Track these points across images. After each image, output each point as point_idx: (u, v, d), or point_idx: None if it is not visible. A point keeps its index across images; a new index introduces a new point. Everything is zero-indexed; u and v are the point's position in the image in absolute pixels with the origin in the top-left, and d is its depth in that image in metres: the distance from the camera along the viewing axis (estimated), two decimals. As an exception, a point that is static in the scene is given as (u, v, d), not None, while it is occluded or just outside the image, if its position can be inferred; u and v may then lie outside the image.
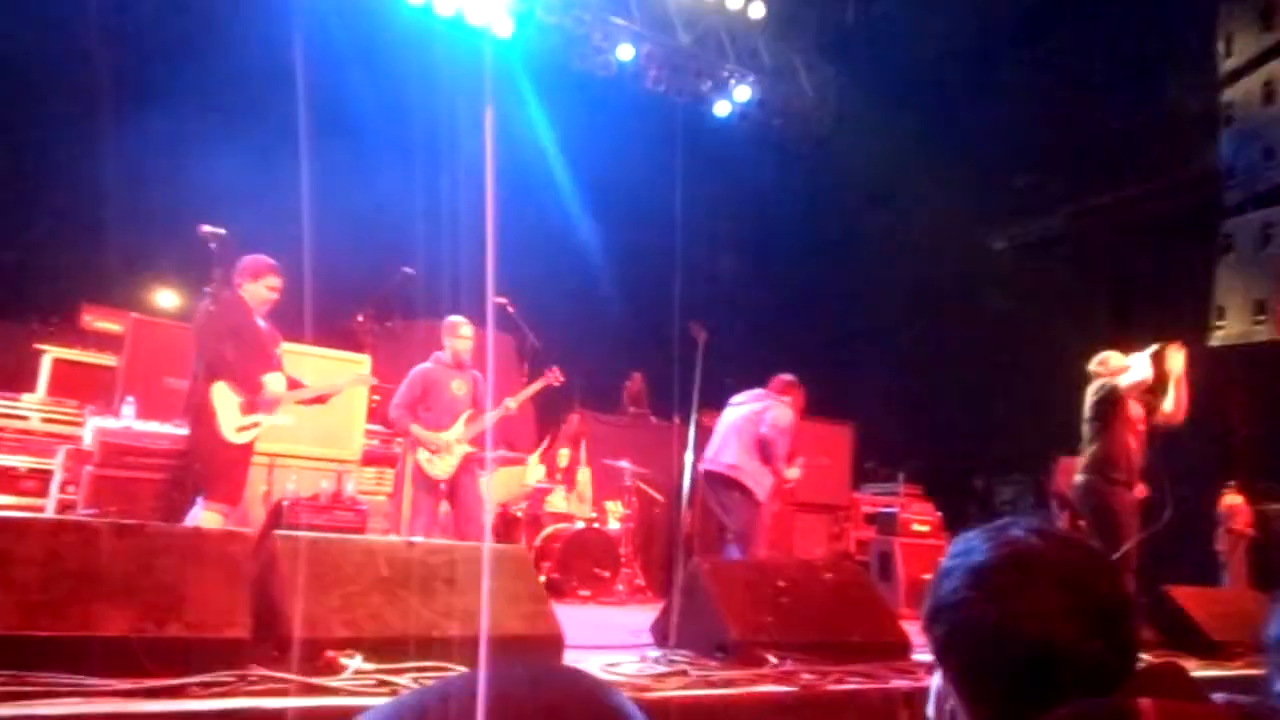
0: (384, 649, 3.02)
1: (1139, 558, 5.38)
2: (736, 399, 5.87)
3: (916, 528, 7.95)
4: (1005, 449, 10.16)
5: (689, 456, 5.06)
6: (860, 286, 11.69)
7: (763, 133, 11.50)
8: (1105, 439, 5.39)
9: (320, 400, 4.87)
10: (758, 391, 5.85)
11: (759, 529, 5.67)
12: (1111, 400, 5.27)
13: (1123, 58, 9.36)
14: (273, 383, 4.52)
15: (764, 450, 5.65)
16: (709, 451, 5.77)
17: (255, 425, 4.43)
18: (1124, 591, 0.97)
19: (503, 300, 7.19)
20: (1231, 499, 8.14)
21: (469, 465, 5.42)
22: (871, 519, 8.54)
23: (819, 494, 8.39)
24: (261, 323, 4.60)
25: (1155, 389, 5.45)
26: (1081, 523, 6.52)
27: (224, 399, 4.37)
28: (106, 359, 6.41)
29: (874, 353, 11.72)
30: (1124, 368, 5.24)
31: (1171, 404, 5.26)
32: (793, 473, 5.75)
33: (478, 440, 5.58)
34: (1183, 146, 9.12)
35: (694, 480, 6.30)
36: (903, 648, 4.08)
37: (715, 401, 10.54)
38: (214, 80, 8.04)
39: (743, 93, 11.16)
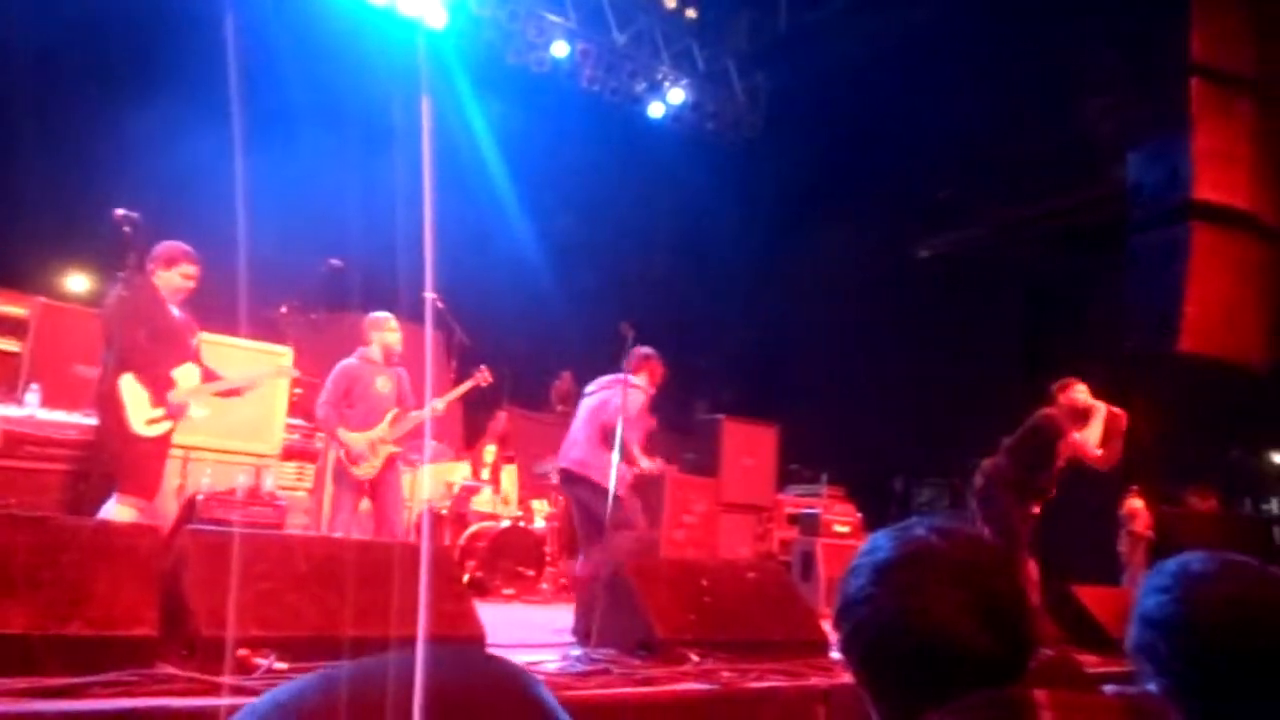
0: (300, 648, 2.95)
1: (1043, 558, 5.62)
2: (590, 387, 5.53)
3: (838, 528, 8.12)
4: (924, 452, 10.44)
5: (615, 456, 5.07)
6: (789, 290, 11.88)
7: (696, 135, 11.61)
8: (1032, 466, 5.60)
9: (236, 393, 4.71)
10: (614, 376, 5.43)
11: (622, 519, 5.39)
12: (1054, 438, 5.52)
13: (1042, 77, 9.71)
14: (184, 379, 4.37)
15: (606, 438, 5.18)
16: (564, 447, 5.39)
17: (166, 418, 4.28)
18: (1020, 588, 1.02)
19: (432, 296, 7.09)
20: (1133, 503, 8.51)
21: (393, 463, 5.34)
22: (794, 519, 8.68)
23: (744, 494, 8.50)
24: (176, 311, 4.44)
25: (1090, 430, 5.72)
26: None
27: (133, 390, 4.20)
28: (10, 344, 6.12)
29: (801, 356, 11.93)
30: (1086, 409, 5.50)
31: (1107, 457, 5.59)
32: (646, 463, 5.43)
33: (403, 440, 5.49)
34: (1096, 164, 9.52)
35: (618, 479, 6.30)
36: (822, 646, 4.17)
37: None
38: (136, 61, 7.76)
39: (676, 95, 11.24)
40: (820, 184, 11.50)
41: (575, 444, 5.32)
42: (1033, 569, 5.57)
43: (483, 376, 5.83)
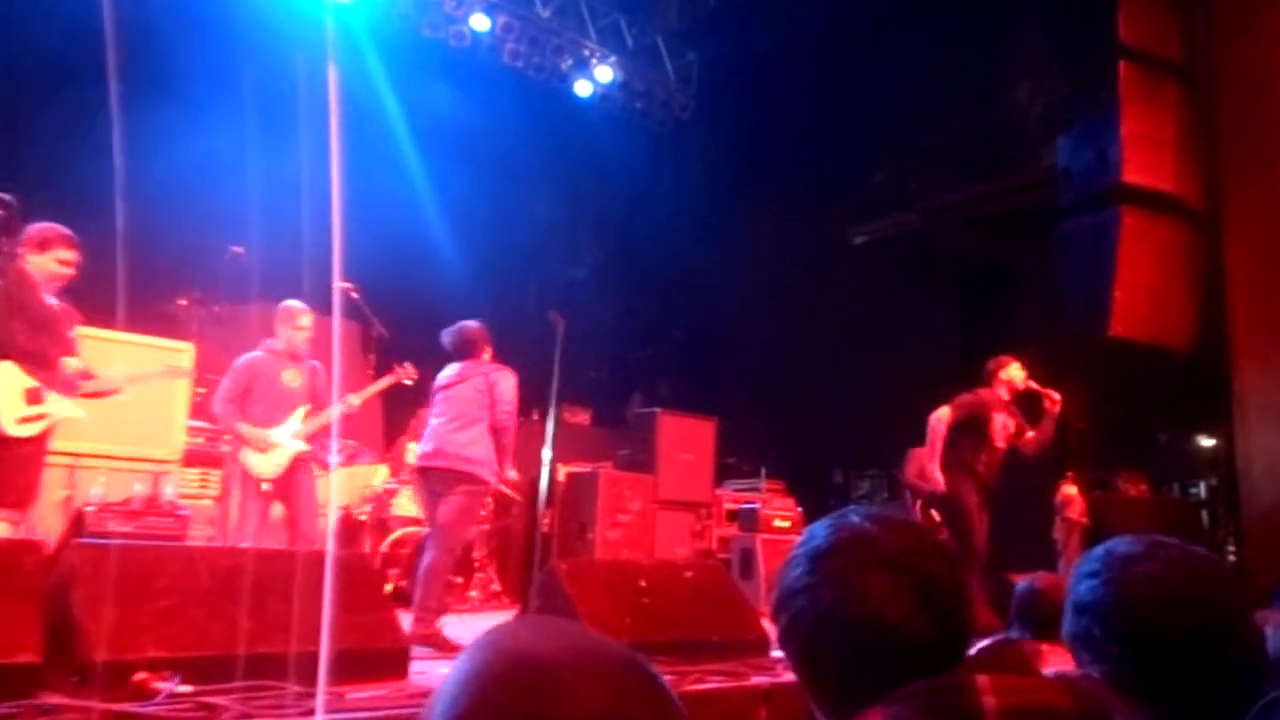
0: (206, 668, 2.83)
1: (985, 546, 5.78)
2: (445, 376, 5.36)
3: (778, 524, 8.19)
4: (862, 443, 10.62)
5: (547, 454, 5.00)
6: (724, 278, 11.95)
7: (625, 115, 11.56)
8: (967, 446, 5.77)
9: (108, 393, 4.41)
10: (467, 364, 5.33)
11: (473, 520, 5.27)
12: (984, 417, 5.69)
13: (974, 59, 9.94)
14: (69, 364, 4.14)
15: (499, 435, 5.15)
16: (424, 442, 5.24)
17: (41, 417, 4.02)
18: (955, 573, 1.03)
19: (347, 285, 6.93)
20: (1067, 489, 8.79)
21: (304, 465, 5.17)
22: (733, 516, 8.74)
23: (681, 491, 8.52)
24: (51, 300, 4.18)
25: (1028, 415, 5.92)
26: (933, 512, 6.95)
27: (2, 385, 3.94)
28: None
29: (737, 346, 12.02)
30: (1012, 386, 5.75)
31: (1037, 439, 5.88)
32: (512, 473, 5.39)
33: (315, 438, 5.33)
34: (1028, 148, 9.79)
35: (552, 477, 6.25)
36: (762, 645, 4.19)
37: (576, 395, 10.52)
38: (11, 32, 7.34)
39: (604, 73, 11.16)
40: (754, 167, 11.58)
41: (452, 436, 5.13)
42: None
43: (405, 372, 5.68)
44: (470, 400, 5.19)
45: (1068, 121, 7.77)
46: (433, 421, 5.23)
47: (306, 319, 5.37)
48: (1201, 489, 10.20)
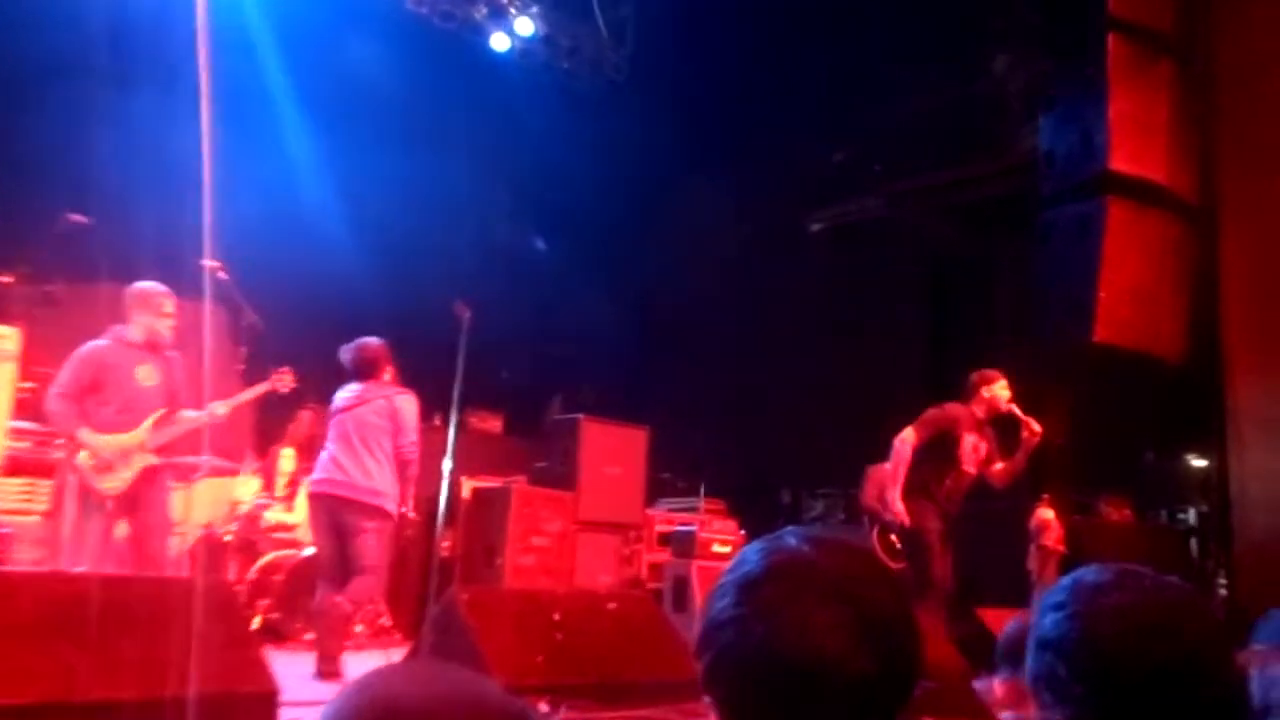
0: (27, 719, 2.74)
1: (948, 577, 5.90)
2: (344, 398, 5.58)
3: (717, 549, 8.25)
4: (816, 457, 10.76)
5: (448, 465, 4.97)
6: (661, 266, 11.99)
7: (548, 76, 11.52)
8: (931, 466, 5.88)
9: None
10: (368, 385, 5.59)
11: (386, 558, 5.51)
12: (954, 436, 5.81)
13: (948, 25, 10.16)
14: None
15: (404, 468, 5.49)
16: (324, 468, 5.49)
17: None
18: (903, 603, 1.04)
19: (214, 264, 6.78)
20: (1043, 513, 9.01)
21: (156, 477, 5.05)
22: (667, 539, 8.77)
23: (607, 510, 8.52)
24: None
25: (1003, 440, 6.05)
26: (893, 538, 7.07)
27: None
28: None
29: (674, 344, 12.07)
30: (992, 406, 5.91)
31: (1005, 474, 6.03)
32: (411, 514, 5.74)
33: (170, 448, 5.23)
34: (1007, 128, 10.03)
35: (453, 493, 6.20)
36: (696, 687, 4.22)
37: (484, 398, 10.44)
38: None
39: (525, 25, 11.12)
40: (697, 140, 11.64)
41: (357, 463, 5.37)
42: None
43: (282, 380, 5.62)
44: (372, 426, 5.47)
45: (1050, 100, 7.96)
46: (331, 447, 5.44)
47: (171, 307, 5.26)
48: (1191, 514, 10.52)
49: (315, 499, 5.49)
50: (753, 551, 1.08)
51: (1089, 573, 1.31)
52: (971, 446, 6.01)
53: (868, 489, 7.62)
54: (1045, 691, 1.26)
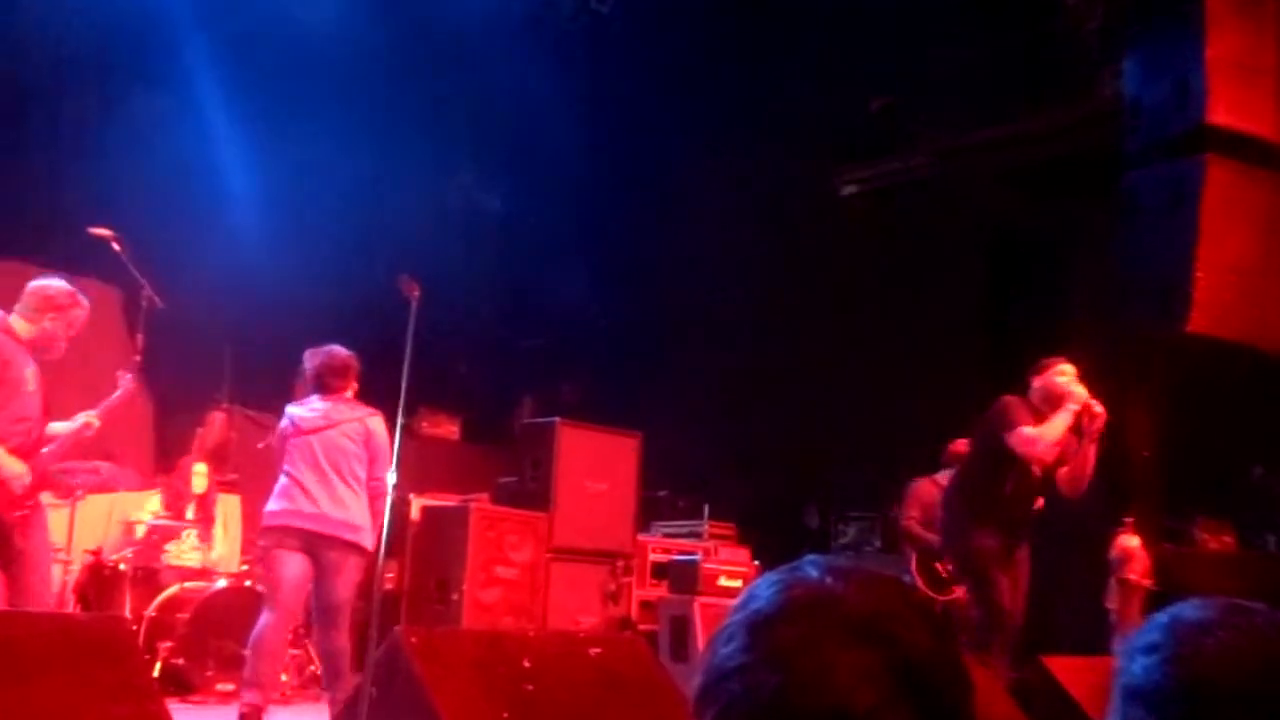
0: None
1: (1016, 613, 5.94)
2: (308, 416, 5.80)
3: (725, 583, 8.27)
4: (849, 472, 10.78)
5: (392, 478, 4.99)
6: (658, 238, 11.99)
7: (516, 4, 11.49)
8: (986, 461, 5.91)
9: None
10: (335, 402, 5.83)
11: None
12: (999, 433, 5.84)
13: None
14: None
15: (375, 501, 5.74)
16: (289, 497, 5.70)
17: None
18: (947, 645, 1.04)
19: (105, 232, 6.80)
20: (1126, 541, 9.05)
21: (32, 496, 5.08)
22: (662, 571, 8.78)
23: (588, 535, 8.52)
24: None
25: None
26: (937, 566, 7.11)
27: None
28: None
29: (674, 333, 12.07)
30: (1055, 392, 5.83)
31: (1073, 474, 5.98)
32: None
33: (49, 460, 5.28)
34: (1082, 72, 10.03)
35: (399, 512, 6.22)
36: (696, 750, 4.24)
37: (439, 397, 10.45)
38: None
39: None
40: (702, 87, 11.63)
41: (333, 496, 5.65)
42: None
43: (125, 383, 5.68)
44: (345, 451, 5.75)
45: (1135, 39, 7.99)
46: (297, 473, 5.68)
47: (80, 314, 5.32)
48: (1304, 540, 10.58)
49: (281, 530, 5.67)
50: (765, 585, 1.08)
51: (1187, 608, 1.30)
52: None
53: (908, 508, 7.66)
54: None
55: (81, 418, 5.39)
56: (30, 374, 5.18)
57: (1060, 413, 5.82)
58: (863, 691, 0.97)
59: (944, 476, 7.61)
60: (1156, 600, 8.85)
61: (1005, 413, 5.93)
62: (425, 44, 10.95)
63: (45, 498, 5.52)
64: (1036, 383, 6.02)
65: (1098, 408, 5.89)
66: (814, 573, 1.07)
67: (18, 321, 5.21)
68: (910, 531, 7.58)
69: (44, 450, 5.24)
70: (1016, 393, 6.17)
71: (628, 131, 11.86)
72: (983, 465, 6.05)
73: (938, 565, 7.24)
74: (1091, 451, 5.95)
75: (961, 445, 7.60)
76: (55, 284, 5.33)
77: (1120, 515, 9.08)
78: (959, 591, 6.83)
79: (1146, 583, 8.65)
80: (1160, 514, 9.57)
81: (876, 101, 11.49)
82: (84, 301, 5.36)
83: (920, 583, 7.32)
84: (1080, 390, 5.89)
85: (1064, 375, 5.99)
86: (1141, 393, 9.14)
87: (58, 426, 5.33)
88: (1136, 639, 1.32)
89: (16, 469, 4.99)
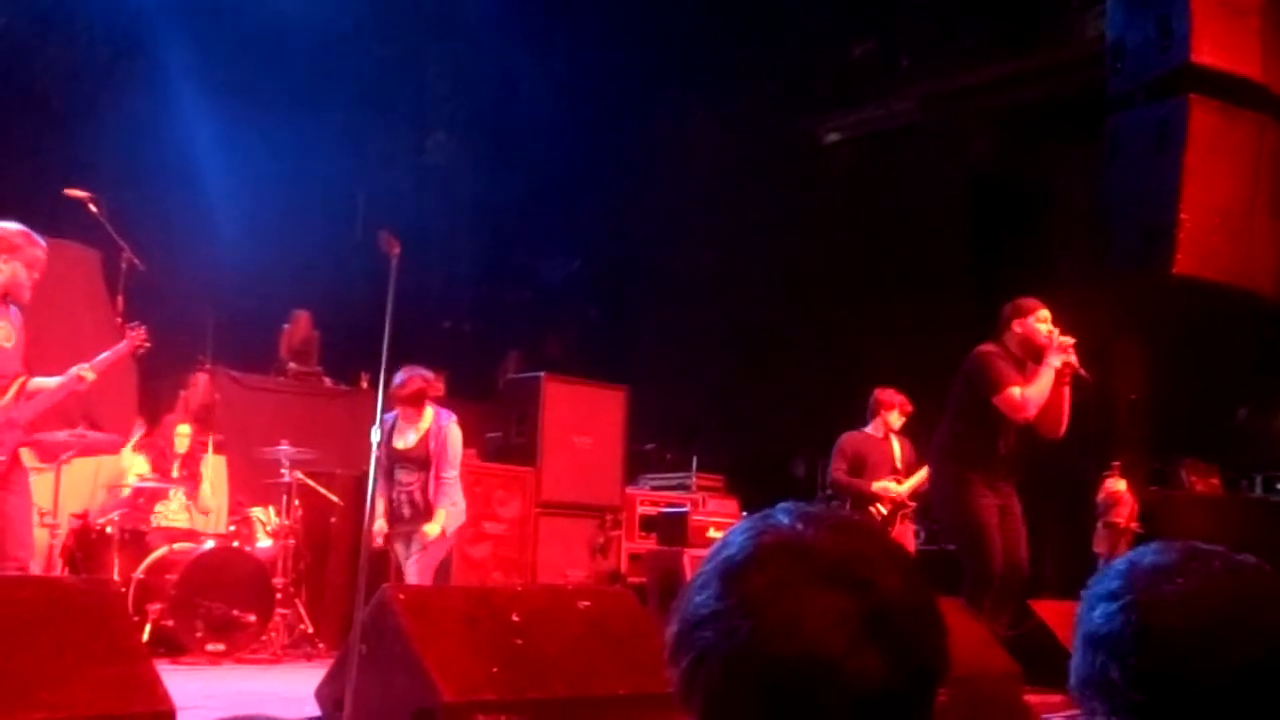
0: None
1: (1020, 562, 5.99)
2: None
3: (714, 534, 8.31)
4: (836, 420, 10.79)
5: (376, 434, 4.98)
6: (637, 192, 11.94)
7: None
8: (972, 418, 5.91)
9: None
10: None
11: None
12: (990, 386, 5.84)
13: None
14: None
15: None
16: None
17: None
18: (920, 588, 1.04)
19: (82, 194, 6.76)
20: (1113, 484, 9.11)
21: (15, 457, 5.06)
22: (651, 524, 8.83)
23: (576, 489, 8.56)
24: None
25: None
26: (874, 510, 7.19)
27: None
28: None
29: (658, 284, 12.06)
30: (1029, 341, 5.87)
31: (1049, 417, 5.96)
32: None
33: (37, 423, 5.28)
34: (1067, 14, 9.99)
35: (394, 474, 6.27)
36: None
37: (423, 354, 10.41)
38: None
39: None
40: (681, 31, 11.54)
41: None
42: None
43: (135, 337, 5.63)
44: None
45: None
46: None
47: (38, 253, 5.22)
48: (1291, 482, 10.63)
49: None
50: (738, 533, 1.08)
51: (1147, 553, 1.31)
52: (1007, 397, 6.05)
53: (836, 460, 7.69)
54: (1095, 699, 1.27)
55: (74, 370, 5.33)
56: (1, 329, 5.12)
57: (1044, 369, 5.79)
58: (834, 636, 0.97)
59: (874, 426, 7.69)
60: (1144, 543, 8.94)
61: (989, 371, 5.90)
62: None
63: (29, 461, 5.52)
64: (1017, 328, 5.99)
65: (1067, 340, 5.88)
66: (785, 519, 1.07)
67: None
68: (840, 482, 7.62)
69: (34, 400, 5.17)
70: (992, 331, 6.16)
71: (609, 83, 11.77)
72: (969, 424, 5.99)
73: (872, 509, 7.31)
74: (1066, 393, 5.95)
75: (880, 392, 7.69)
76: (7, 224, 5.24)
77: (1107, 459, 9.14)
78: (894, 535, 6.92)
79: (1133, 526, 8.72)
80: (1147, 457, 9.63)
81: (858, 47, 11.43)
82: (40, 241, 5.24)
83: None
84: (1065, 340, 5.87)
85: (1044, 323, 5.97)
86: (1127, 336, 9.17)
87: (43, 381, 5.29)
88: (1096, 585, 1.32)
89: None
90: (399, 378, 6.37)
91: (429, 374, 6.79)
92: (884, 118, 11.47)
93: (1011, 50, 10.43)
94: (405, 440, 6.56)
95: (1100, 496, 9.01)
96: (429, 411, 6.68)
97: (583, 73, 11.47)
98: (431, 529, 6.41)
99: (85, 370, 5.35)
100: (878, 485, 7.36)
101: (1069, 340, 5.87)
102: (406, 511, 6.56)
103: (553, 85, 11.42)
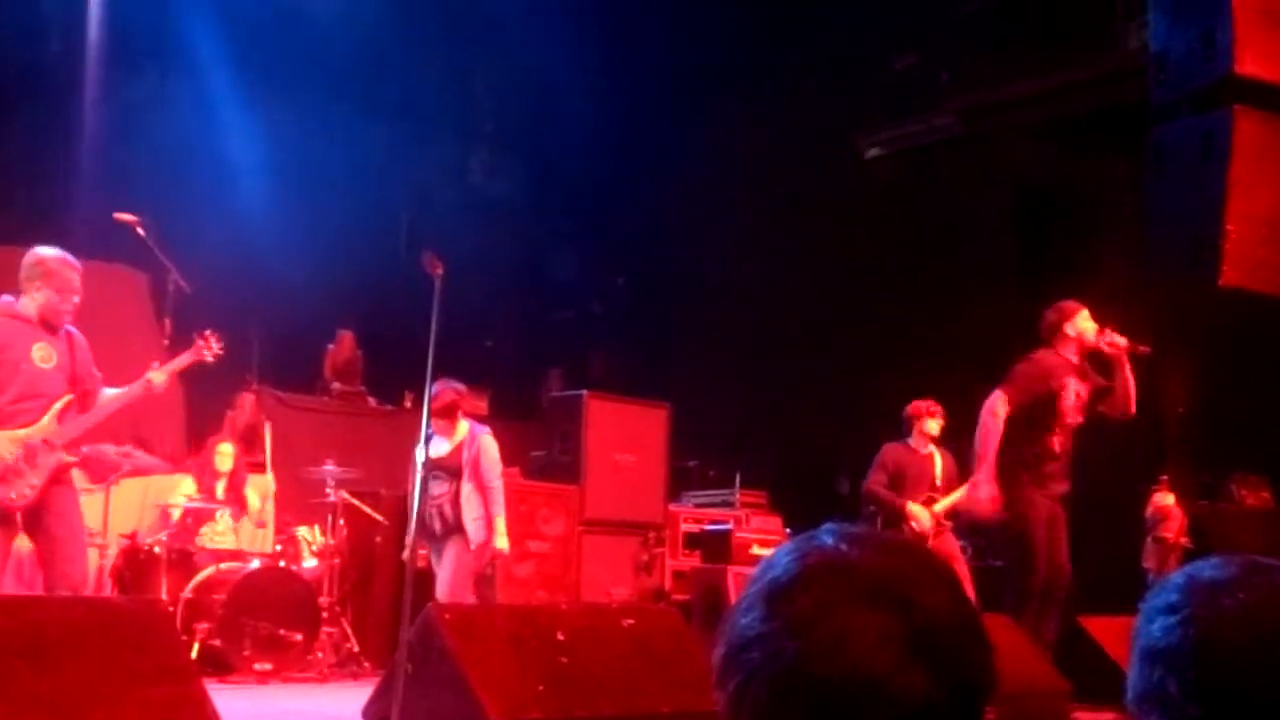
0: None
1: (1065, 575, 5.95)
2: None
3: (758, 551, 8.28)
4: (880, 436, 10.75)
5: (421, 454, 4.99)
6: (677, 209, 11.94)
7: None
8: (1020, 419, 5.92)
9: None
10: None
11: None
12: (1054, 390, 5.87)
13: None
14: None
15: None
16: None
17: None
18: (965, 606, 1.04)
19: (130, 218, 6.83)
20: (1161, 499, 9.01)
21: (63, 480, 5.10)
22: (695, 541, 8.81)
23: (619, 507, 8.56)
24: None
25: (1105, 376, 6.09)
26: (907, 528, 7.15)
27: None
28: None
29: (701, 302, 12.04)
30: (1082, 343, 5.97)
31: (1119, 401, 6.08)
32: None
33: (84, 441, 5.30)
34: (1109, 25, 9.92)
35: (427, 487, 6.25)
36: None
37: (467, 372, 10.46)
38: None
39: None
40: (724, 45, 11.55)
41: None
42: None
43: (208, 346, 5.65)
44: None
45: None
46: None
47: (79, 280, 5.29)
48: (1344, 497, 10.49)
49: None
50: (783, 554, 1.08)
51: (1205, 567, 1.29)
52: (1074, 395, 6.06)
53: (876, 472, 7.65)
54: (1152, 713, 1.25)
55: (147, 375, 5.37)
56: (40, 351, 5.16)
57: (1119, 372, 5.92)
58: (880, 655, 0.97)
59: (914, 440, 7.64)
60: (1193, 558, 8.82)
61: (1054, 375, 5.95)
62: (442, 15, 10.92)
63: (80, 483, 5.57)
64: (1069, 330, 6.03)
65: (1120, 340, 5.93)
66: (829, 540, 1.07)
67: (25, 301, 5.21)
68: (876, 495, 7.57)
69: (79, 420, 5.21)
70: (1037, 340, 6.18)
71: (649, 99, 11.80)
72: (1018, 424, 6.01)
73: (904, 527, 7.26)
74: (1128, 372, 6.00)
75: (914, 405, 7.65)
76: (43, 250, 5.31)
77: (1156, 473, 9.05)
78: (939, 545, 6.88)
79: (1183, 541, 8.62)
80: (1196, 471, 9.53)
81: (900, 60, 11.40)
82: (76, 264, 5.29)
83: None
84: (1116, 339, 5.93)
85: (1089, 321, 6.03)
86: (1175, 349, 9.08)
87: (111, 392, 5.34)
88: (1155, 599, 1.31)
89: (8, 448, 4.97)
90: (432, 390, 6.40)
91: (461, 387, 6.86)
92: (924, 132, 11.43)
93: (1053, 62, 10.37)
94: (438, 450, 6.51)
95: (1149, 511, 8.91)
96: (463, 425, 6.75)
97: (623, 90, 11.51)
98: (499, 542, 6.65)
99: (157, 375, 5.39)
100: (912, 507, 7.29)
101: (1120, 339, 5.91)
102: (437, 526, 6.57)
103: (594, 104, 11.45)
